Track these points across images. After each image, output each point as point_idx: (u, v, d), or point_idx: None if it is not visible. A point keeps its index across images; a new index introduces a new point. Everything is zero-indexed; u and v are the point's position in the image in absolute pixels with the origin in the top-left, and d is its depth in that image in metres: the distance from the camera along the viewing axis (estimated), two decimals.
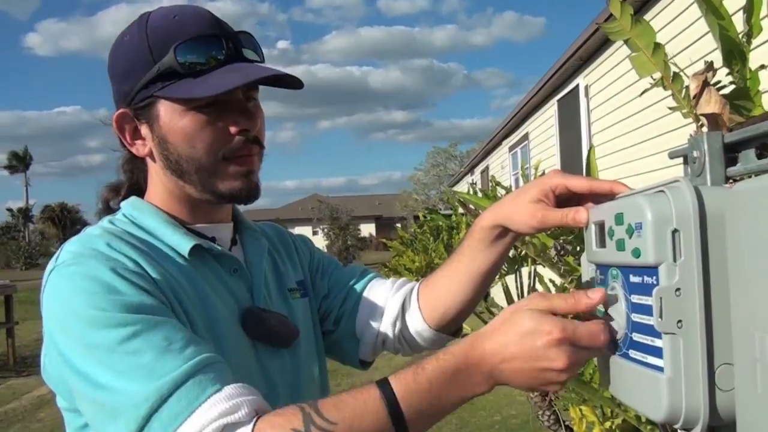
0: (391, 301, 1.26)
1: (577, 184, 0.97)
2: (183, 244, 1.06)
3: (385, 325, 1.26)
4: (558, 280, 3.02)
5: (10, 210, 72.32)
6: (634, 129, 6.12)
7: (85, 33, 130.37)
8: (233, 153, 1.06)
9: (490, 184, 4.76)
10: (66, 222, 68.27)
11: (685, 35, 4.88)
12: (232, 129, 1.06)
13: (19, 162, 70.51)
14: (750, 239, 0.59)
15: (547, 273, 3.24)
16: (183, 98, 1.03)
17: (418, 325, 1.24)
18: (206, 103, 1.04)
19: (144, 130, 1.09)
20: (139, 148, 1.11)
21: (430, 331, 1.24)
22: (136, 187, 1.18)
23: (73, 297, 0.91)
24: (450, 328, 1.25)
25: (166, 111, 1.05)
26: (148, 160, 1.13)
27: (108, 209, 1.19)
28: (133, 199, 1.14)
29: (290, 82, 1.11)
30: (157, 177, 1.12)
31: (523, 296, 4.85)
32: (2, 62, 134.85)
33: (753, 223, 0.58)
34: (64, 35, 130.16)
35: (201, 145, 1.05)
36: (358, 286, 1.30)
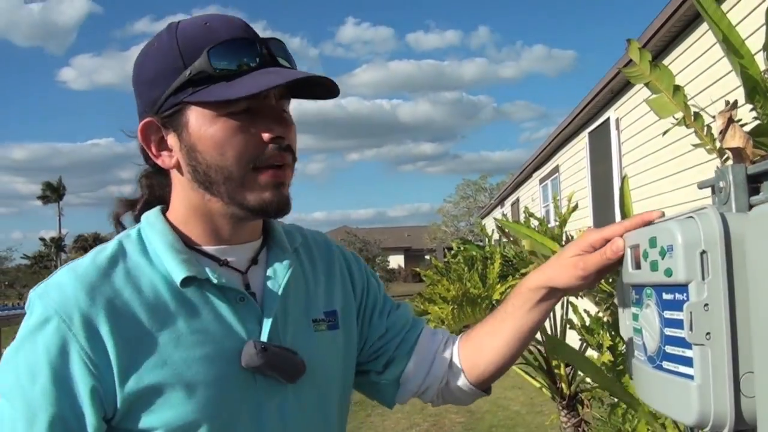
0: (443, 355, 1.25)
1: (613, 231, 1.01)
2: (177, 274, 1.02)
3: (432, 378, 1.25)
4: (592, 310, 3.06)
5: (43, 239, 73.36)
6: (665, 161, 6.16)
7: (118, 67, 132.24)
8: (265, 162, 1.02)
9: (523, 215, 4.81)
10: None
11: (706, 75, 4.96)
12: (265, 136, 1.01)
13: (53, 192, 71.66)
14: (764, 256, 0.67)
15: (581, 303, 3.29)
16: (216, 101, 0.99)
17: (459, 380, 1.24)
18: (239, 110, 1.00)
19: (171, 139, 1.05)
20: (165, 160, 1.06)
21: (468, 386, 1.24)
22: (156, 202, 1.14)
23: (12, 345, 0.98)
24: (485, 384, 1.25)
25: (196, 118, 1.01)
26: (174, 173, 1.08)
27: (119, 225, 1.17)
28: (154, 211, 1.11)
29: (328, 90, 1.07)
30: (183, 191, 1.08)
31: (556, 327, 4.89)
32: (37, 96, 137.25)
33: (765, 242, 0.66)
34: (98, 70, 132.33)
35: (231, 153, 1.00)
36: (412, 334, 1.27)
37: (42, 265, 67.20)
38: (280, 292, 1.10)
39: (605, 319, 2.72)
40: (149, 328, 0.99)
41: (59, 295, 0.97)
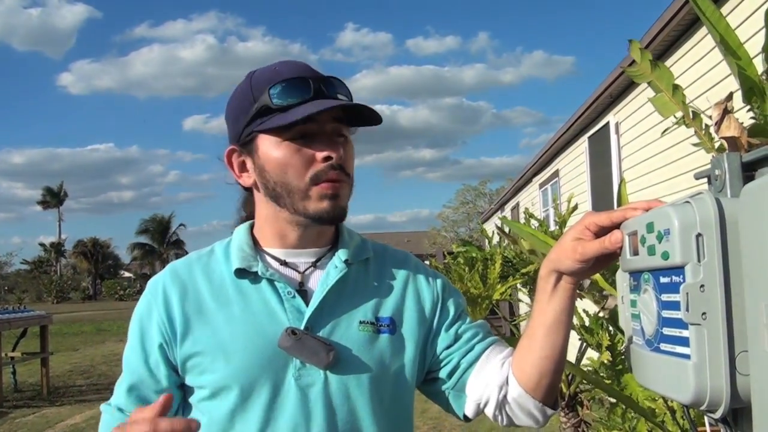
0: (501, 368, 1.30)
1: (601, 218, 1.04)
2: (234, 266, 1.28)
3: (491, 389, 1.28)
4: (591, 309, 3.09)
5: (42, 245, 73.37)
6: (665, 165, 6.18)
7: (117, 72, 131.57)
8: (320, 177, 1.22)
9: (524, 216, 4.84)
10: (98, 257, 69.12)
11: (705, 79, 4.99)
12: (319, 156, 1.22)
13: (53, 198, 71.61)
14: (754, 232, 0.70)
15: (580, 303, 3.31)
16: (273, 128, 1.22)
17: (515, 390, 1.26)
18: (297, 136, 1.22)
19: (249, 163, 1.29)
20: (245, 180, 1.31)
21: (525, 395, 1.25)
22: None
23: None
24: (541, 392, 1.25)
25: (263, 144, 1.25)
26: (254, 190, 1.32)
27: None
28: (245, 224, 1.38)
29: (370, 118, 1.28)
30: (259, 204, 1.33)
31: None
32: (36, 101, 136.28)
33: (757, 213, 0.69)
34: (97, 75, 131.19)
35: (291, 171, 1.23)
36: (480, 346, 1.35)
37: (42, 270, 67.24)
38: (325, 292, 1.28)
39: (604, 318, 2.74)
40: (210, 307, 1.27)
41: (155, 279, 1.33)
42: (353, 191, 1.31)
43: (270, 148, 1.24)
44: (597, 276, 2.46)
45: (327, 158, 1.22)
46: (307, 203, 1.24)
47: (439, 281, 1.42)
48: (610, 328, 2.91)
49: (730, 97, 1.01)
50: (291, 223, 1.29)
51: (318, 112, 1.18)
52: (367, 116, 1.28)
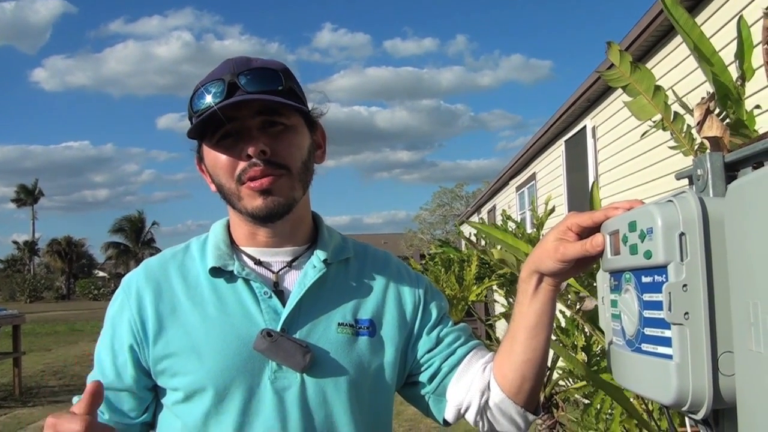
0: (483, 372, 1.28)
1: (583, 219, 1.04)
2: (208, 264, 1.25)
3: (472, 393, 1.27)
4: (567, 311, 3.09)
5: (16, 243, 72.45)
6: (641, 169, 6.23)
7: (91, 69, 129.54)
8: (242, 176, 1.19)
9: (502, 218, 4.84)
10: (72, 256, 68.38)
11: (687, 81, 5.02)
12: (242, 154, 1.18)
13: (28, 195, 70.73)
14: (741, 229, 0.69)
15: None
16: (193, 136, 1.24)
17: (497, 395, 1.24)
18: (223, 136, 1.20)
19: (205, 169, 1.28)
20: (211, 186, 1.28)
21: (507, 401, 1.23)
22: None
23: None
24: (523, 397, 1.24)
25: (204, 150, 1.25)
26: None
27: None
28: (222, 220, 1.36)
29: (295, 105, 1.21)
30: (226, 207, 1.29)
31: None
32: (8, 96, 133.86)
33: (743, 211, 0.68)
34: (71, 71, 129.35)
35: (221, 173, 1.21)
36: (462, 350, 1.33)
37: (15, 268, 66.38)
38: (302, 292, 1.24)
39: (580, 319, 2.75)
40: (184, 306, 1.23)
41: (129, 277, 1.30)
42: (305, 181, 1.26)
43: (206, 153, 1.24)
44: (571, 279, 2.46)
45: (249, 155, 1.18)
46: (243, 203, 1.21)
47: (421, 283, 1.39)
48: (586, 329, 2.92)
49: (712, 97, 1.01)
50: (249, 223, 1.26)
51: (205, 115, 1.16)
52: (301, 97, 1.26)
